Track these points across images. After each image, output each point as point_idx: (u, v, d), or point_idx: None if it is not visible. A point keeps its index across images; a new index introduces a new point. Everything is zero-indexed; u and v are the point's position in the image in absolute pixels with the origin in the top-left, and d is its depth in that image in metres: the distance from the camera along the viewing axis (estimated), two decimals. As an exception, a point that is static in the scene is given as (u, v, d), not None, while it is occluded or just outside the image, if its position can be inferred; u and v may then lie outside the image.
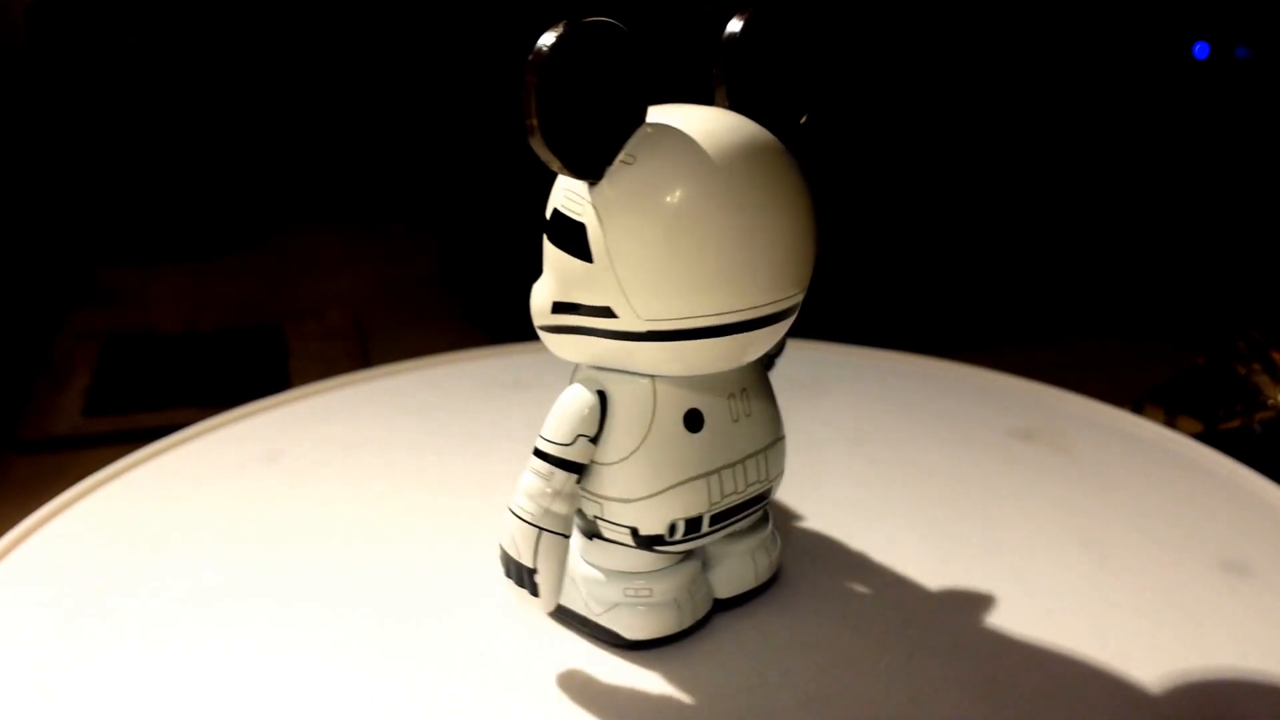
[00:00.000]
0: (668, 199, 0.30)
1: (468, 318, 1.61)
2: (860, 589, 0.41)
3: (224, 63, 1.93)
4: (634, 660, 0.36)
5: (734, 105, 0.33)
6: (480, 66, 1.42)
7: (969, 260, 1.55)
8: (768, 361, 0.38)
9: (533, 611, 0.35)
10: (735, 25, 0.33)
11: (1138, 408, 0.92)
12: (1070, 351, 1.50)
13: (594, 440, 0.33)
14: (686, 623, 0.37)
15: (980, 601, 0.40)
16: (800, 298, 0.33)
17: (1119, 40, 1.51)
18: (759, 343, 0.33)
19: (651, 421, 0.33)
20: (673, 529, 0.34)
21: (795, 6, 0.33)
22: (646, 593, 0.36)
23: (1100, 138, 1.55)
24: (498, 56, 1.33)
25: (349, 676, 0.36)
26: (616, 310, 0.31)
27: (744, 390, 0.35)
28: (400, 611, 0.40)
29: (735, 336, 0.31)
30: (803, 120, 0.34)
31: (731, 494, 0.35)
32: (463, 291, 1.68)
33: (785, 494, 0.47)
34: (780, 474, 0.37)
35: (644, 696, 0.35)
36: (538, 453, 0.34)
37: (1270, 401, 0.87)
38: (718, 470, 0.34)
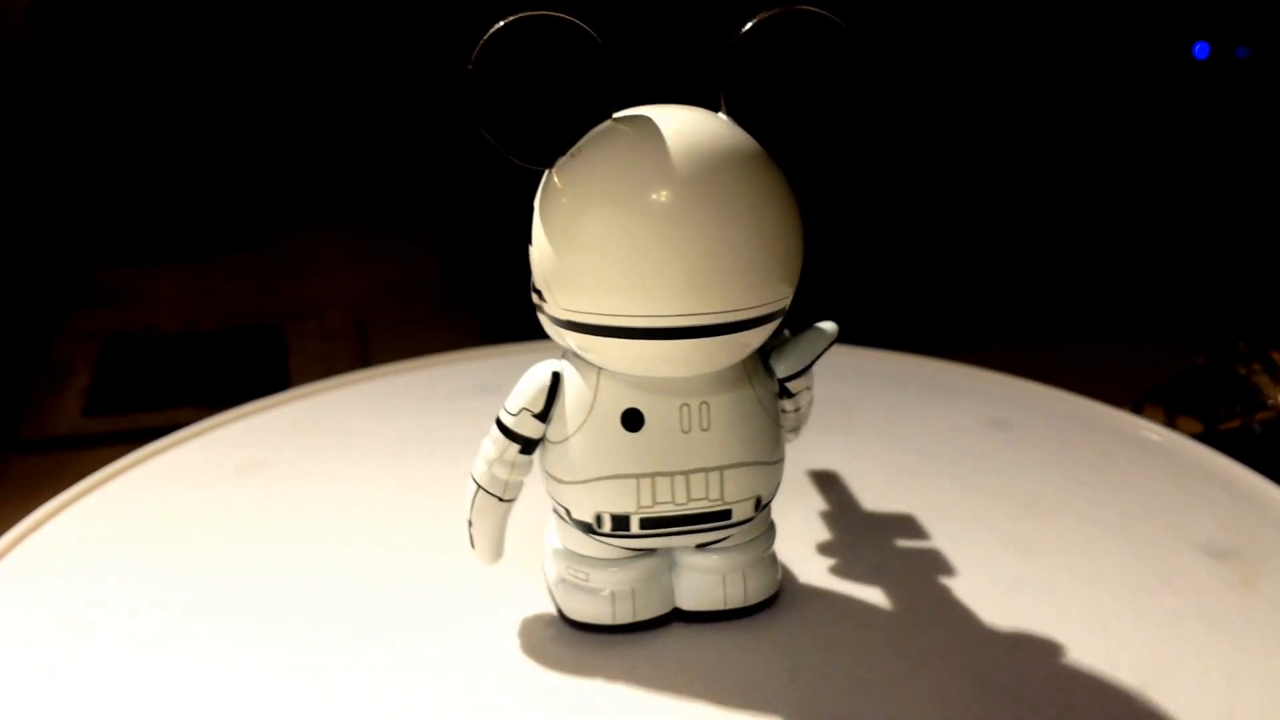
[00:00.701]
0: (581, 194, 0.31)
1: (468, 318, 1.61)
2: (860, 619, 0.40)
3: (224, 62, 1.93)
4: (604, 654, 0.36)
5: (732, 112, 0.32)
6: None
7: (968, 259, 1.55)
8: (781, 388, 0.36)
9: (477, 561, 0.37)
10: (740, 31, 0.32)
11: (1137, 408, 0.92)
12: (1070, 351, 1.50)
13: (541, 417, 0.34)
14: (622, 618, 0.36)
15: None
16: (740, 315, 0.31)
17: (1119, 40, 1.51)
18: (688, 355, 0.32)
19: (590, 411, 0.34)
20: (599, 520, 0.34)
21: (802, 17, 0.31)
22: (584, 577, 0.36)
23: (1100, 138, 1.55)
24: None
25: (348, 678, 0.36)
26: (545, 295, 0.33)
27: (705, 404, 0.33)
28: (401, 614, 0.40)
29: (650, 343, 0.31)
30: (833, 137, 0.33)
31: (666, 503, 0.34)
32: (463, 291, 1.68)
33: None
34: (748, 500, 0.35)
35: (606, 695, 0.35)
36: (496, 418, 0.35)
37: (1270, 401, 0.87)
38: (652, 475, 0.34)
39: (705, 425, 0.34)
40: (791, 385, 0.36)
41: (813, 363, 0.36)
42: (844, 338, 0.62)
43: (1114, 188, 1.59)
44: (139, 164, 1.90)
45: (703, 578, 0.37)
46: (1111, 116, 1.54)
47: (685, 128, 0.31)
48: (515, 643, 0.38)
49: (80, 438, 1.30)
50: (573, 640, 0.37)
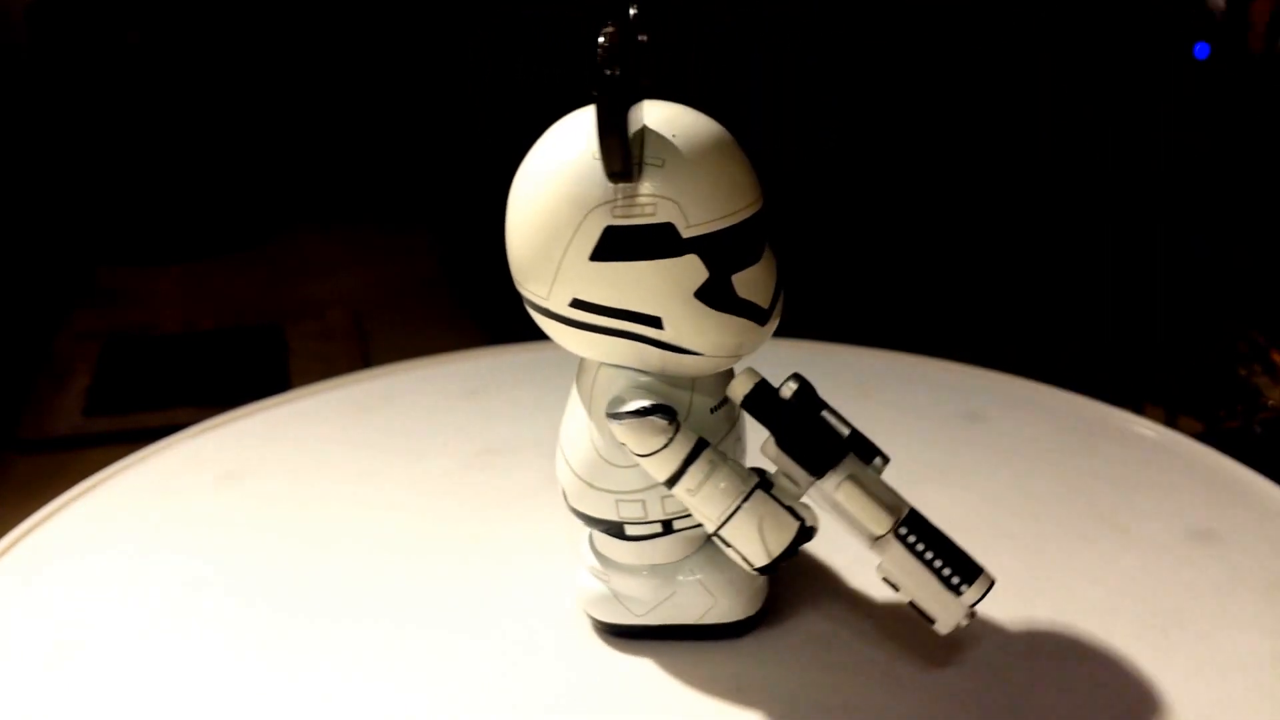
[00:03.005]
0: None
1: (468, 318, 1.61)
2: (837, 612, 0.40)
3: (224, 62, 1.93)
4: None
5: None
6: (479, 67, 1.41)
7: (968, 258, 1.55)
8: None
9: None
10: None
11: (1138, 408, 0.92)
12: (1070, 351, 1.50)
13: None
14: None
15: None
16: (520, 288, 0.34)
17: (1119, 40, 1.51)
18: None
19: None
20: None
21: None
22: None
23: (1100, 138, 1.55)
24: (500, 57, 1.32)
25: (346, 677, 0.36)
26: None
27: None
28: (400, 612, 0.40)
29: None
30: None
31: None
32: (463, 291, 1.68)
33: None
34: (561, 489, 0.36)
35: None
36: None
37: (1270, 402, 0.87)
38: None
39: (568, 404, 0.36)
40: (615, 431, 0.33)
41: (616, 416, 0.33)
42: (841, 336, 0.60)
43: (1113, 187, 1.59)
44: (139, 164, 1.90)
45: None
46: (1112, 116, 1.54)
47: (567, 128, 0.33)
48: (517, 640, 0.38)
49: (80, 438, 1.31)
50: (572, 640, 0.37)
